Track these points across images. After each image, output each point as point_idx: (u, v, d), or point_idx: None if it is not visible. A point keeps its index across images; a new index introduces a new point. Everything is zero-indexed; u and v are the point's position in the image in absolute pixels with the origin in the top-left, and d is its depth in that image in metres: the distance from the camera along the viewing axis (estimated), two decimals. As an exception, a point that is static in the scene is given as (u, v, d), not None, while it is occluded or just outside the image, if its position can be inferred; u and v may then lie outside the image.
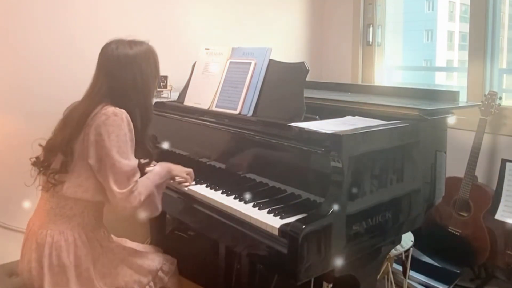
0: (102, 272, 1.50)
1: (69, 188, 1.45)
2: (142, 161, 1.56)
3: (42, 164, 1.49)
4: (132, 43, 1.55)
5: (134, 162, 1.46)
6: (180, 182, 1.70)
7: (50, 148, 1.48)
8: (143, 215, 1.55)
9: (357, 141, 1.38)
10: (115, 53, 1.51)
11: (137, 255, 1.62)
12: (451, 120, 1.78)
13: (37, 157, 1.52)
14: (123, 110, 1.45)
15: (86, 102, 1.50)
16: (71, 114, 1.49)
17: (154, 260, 1.65)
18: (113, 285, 1.51)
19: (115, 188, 1.40)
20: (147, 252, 1.67)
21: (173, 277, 1.70)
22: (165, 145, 2.12)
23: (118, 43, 1.54)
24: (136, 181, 1.45)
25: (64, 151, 1.43)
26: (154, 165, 1.65)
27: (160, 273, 1.64)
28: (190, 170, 1.72)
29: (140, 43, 1.57)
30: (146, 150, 1.57)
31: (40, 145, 1.51)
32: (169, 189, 1.72)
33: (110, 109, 1.43)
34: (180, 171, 1.69)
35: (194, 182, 1.71)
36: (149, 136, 1.61)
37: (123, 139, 1.42)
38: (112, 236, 1.64)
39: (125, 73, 1.50)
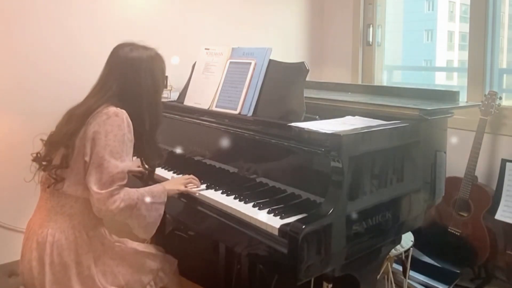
0: (103, 270, 1.50)
1: (70, 186, 1.45)
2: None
3: (44, 159, 1.49)
4: (145, 48, 1.59)
5: (125, 165, 1.43)
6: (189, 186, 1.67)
7: (53, 142, 1.48)
8: (135, 231, 1.52)
9: (357, 141, 1.38)
10: (130, 56, 1.54)
11: (138, 254, 1.62)
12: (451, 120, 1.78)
13: (38, 153, 1.52)
14: (123, 111, 1.45)
15: (92, 99, 1.50)
16: (76, 110, 1.50)
17: (155, 260, 1.65)
18: (114, 283, 1.51)
19: (94, 187, 1.38)
20: (148, 252, 1.67)
21: (174, 277, 1.70)
22: (165, 145, 2.12)
23: (132, 46, 1.57)
24: (120, 186, 1.42)
25: (66, 145, 1.44)
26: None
27: (160, 273, 1.65)
28: (190, 176, 1.70)
29: (151, 48, 1.61)
30: (158, 150, 1.62)
31: (41, 139, 1.52)
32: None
33: (112, 109, 1.44)
34: (178, 183, 1.65)
35: (204, 186, 1.67)
36: (158, 138, 1.63)
37: (121, 139, 1.42)
38: (114, 236, 1.64)
39: (138, 77, 1.53)
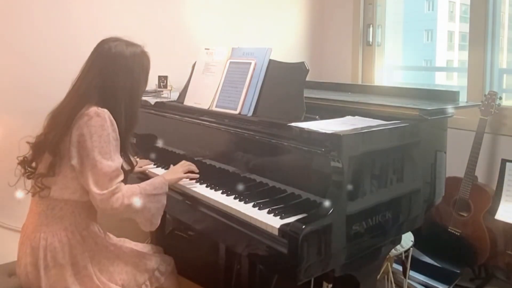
0: (100, 269, 1.50)
1: (56, 190, 1.45)
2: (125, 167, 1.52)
3: (29, 164, 1.49)
4: (130, 44, 1.55)
5: (117, 162, 1.44)
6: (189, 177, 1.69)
7: (39, 147, 1.47)
8: (141, 225, 1.53)
9: (357, 141, 1.38)
10: (112, 51, 1.51)
11: (133, 253, 1.62)
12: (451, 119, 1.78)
13: (24, 157, 1.51)
14: (105, 110, 1.43)
15: (74, 100, 1.48)
16: (60, 114, 1.48)
17: (151, 259, 1.65)
18: (111, 281, 1.51)
19: (95, 189, 1.39)
20: (144, 252, 1.67)
21: (170, 277, 1.69)
22: (165, 145, 2.12)
23: (116, 41, 1.54)
24: (120, 183, 1.43)
25: (53, 152, 1.42)
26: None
27: (156, 273, 1.64)
28: (186, 163, 1.72)
29: (136, 45, 1.57)
30: (126, 157, 1.55)
31: (28, 142, 1.50)
32: (169, 189, 1.72)
33: (93, 109, 1.42)
34: (177, 172, 1.66)
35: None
36: (131, 142, 1.58)
37: (106, 139, 1.41)
38: (111, 235, 1.64)
39: (116, 73, 1.50)
